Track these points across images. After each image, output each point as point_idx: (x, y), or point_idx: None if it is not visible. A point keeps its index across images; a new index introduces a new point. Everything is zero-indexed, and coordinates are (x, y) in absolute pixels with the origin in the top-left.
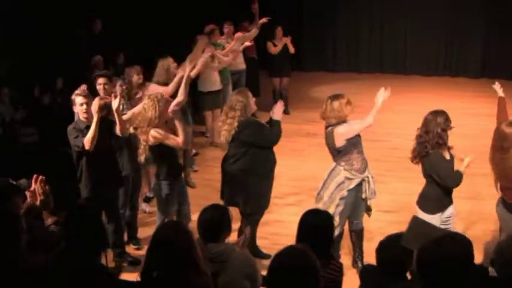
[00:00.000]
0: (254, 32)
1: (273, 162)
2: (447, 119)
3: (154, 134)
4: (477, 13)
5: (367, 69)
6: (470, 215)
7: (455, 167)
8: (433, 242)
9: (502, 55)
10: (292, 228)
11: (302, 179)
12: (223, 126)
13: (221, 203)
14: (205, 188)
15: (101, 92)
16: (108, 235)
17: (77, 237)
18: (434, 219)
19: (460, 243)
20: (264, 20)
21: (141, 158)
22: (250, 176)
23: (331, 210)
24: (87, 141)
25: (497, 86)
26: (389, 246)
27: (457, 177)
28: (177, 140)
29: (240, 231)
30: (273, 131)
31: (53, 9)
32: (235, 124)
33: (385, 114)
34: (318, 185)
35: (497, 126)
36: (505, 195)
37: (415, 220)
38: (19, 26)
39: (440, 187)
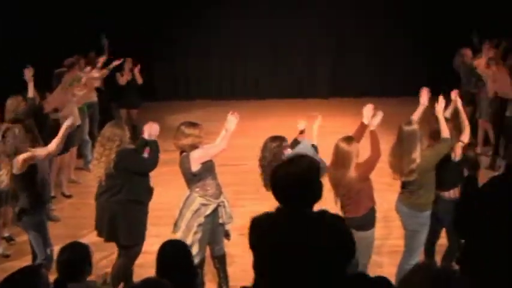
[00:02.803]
0: (105, 72)
1: (151, 190)
2: (280, 145)
3: (22, 156)
4: (326, 37)
5: (219, 95)
6: None
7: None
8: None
9: (349, 75)
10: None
11: (161, 209)
12: (100, 158)
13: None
14: (67, 226)
15: None
16: None
17: None
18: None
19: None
20: (116, 62)
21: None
22: (132, 206)
23: (189, 239)
24: None
25: (367, 110)
26: None
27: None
28: (48, 148)
29: (116, 266)
30: (151, 152)
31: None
32: (113, 156)
33: (239, 139)
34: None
35: (336, 143)
36: (344, 210)
37: None
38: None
39: None
